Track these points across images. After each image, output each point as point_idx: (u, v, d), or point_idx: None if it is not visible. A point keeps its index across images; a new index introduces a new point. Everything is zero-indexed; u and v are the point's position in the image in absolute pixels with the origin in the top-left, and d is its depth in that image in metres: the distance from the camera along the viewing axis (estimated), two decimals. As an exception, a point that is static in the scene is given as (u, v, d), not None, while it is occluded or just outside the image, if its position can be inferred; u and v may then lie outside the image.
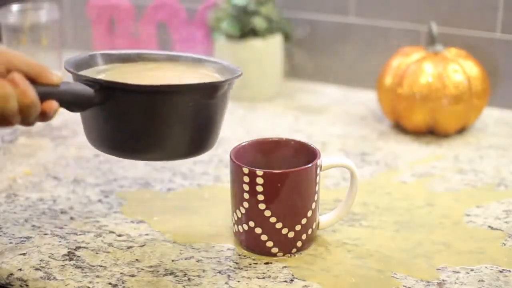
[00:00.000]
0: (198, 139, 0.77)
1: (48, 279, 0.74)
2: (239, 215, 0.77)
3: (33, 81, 0.68)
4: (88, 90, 0.72)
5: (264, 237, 0.76)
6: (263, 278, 0.74)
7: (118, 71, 0.82)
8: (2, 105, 0.66)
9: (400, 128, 1.10)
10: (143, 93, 0.73)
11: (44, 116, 0.69)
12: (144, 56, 0.85)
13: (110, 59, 0.83)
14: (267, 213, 0.75)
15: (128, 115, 0.74)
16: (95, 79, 0.74)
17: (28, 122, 0.69)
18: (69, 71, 0.75)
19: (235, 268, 0.75)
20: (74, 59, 0.79)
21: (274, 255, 0.77)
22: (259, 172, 0.74)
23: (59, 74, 0.70)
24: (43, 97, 0.69)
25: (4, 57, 0.68)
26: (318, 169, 0.77)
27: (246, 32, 1.18)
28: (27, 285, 0.74)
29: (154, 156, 0.78)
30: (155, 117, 0.74)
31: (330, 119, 1.15)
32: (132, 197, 0.90)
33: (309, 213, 0.77)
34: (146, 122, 0.74)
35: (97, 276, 0.74)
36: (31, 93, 0.67)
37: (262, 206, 0.75)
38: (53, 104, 0.69)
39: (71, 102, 0.72)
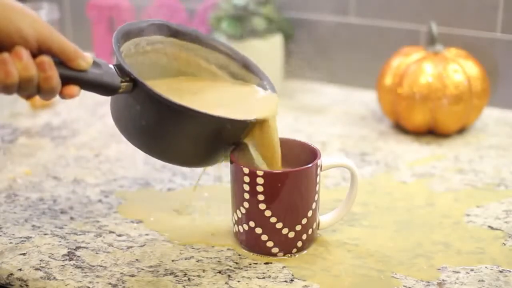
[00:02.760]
0: (206, 158, 0.78)
1: (48, 279, 0.74)
2: (239, 215, 0.77)
3: (61, 62, 0.68)
4: (115, 80, 0.71)
5: (264, 237, 0.76)
6: (263, 278, 0.74)
7: (168, 50, 0.81)
8: (23, 85, 0.66)
9: (400, 128, 1.10)
10: (165, 105, 0.71)
11: (63, 97, 0.70)
12: (202, 39, 0.83)
13: (168, 31, 0.81)
14: (268, 213, 0.75)
15: (147, 115, 0.73)
16: (128, 71, 0.71)
17: (45, 99, 0.70)
18: (113, 47, 0.73)
19: (235, 268, 0.75)
20: (128, 27, 0.77)
21: (275, 255, 0.77)
22: (260, 172, 0.74)
23: (89, 59, 0.69)
24: (67, 80, 0.68)
25: (38, 33, 0.67)
26: (318, 169, 0.77)
27: (246, 32, 1.18)
28: (27, 285, 0.74)
29: (159, 156, 0.78)
30: (170, 128, 0.73)
31: (330, 119, 1.15)
32: (132, 197, 0.90)
33: (310, 213, 0.77)
34: (161, 128, 0.74)
35: (97, 276, 0.74)
36: (55, 79, 0.67)
37: (262, 206, 0.75)
38: (74, 90, 0.69)
39: (94, 89, 0.71)
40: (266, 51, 1.20)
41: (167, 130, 0.74)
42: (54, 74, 0.67)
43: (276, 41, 1.21)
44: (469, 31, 1.15)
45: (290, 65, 1.30)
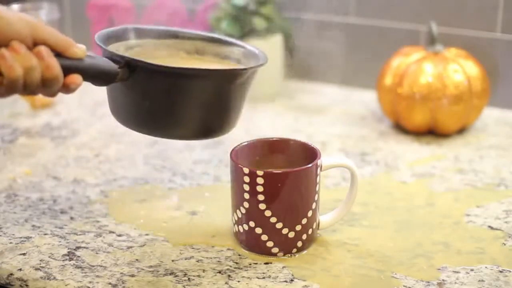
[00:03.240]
0: (217, 121, 0.79)
1: (48, 279, 0.74)
2: (240, 215, 0.77)
3: (58, 54, 0.69)
4: (112, 66, 0.73)
5: (264, 237, 0.76)
6: (263, 278, 0.74)
7: (148, 50, 0.83)
8: (26, 77, 0.67)
9: (400, 128, 1.10)
10: (167, 74, 0.73)
11: (67, 89, 0.70)
12: (178, 33, 0.86)
13: (143, 34, 0.84)
14: (268, 213, 0.75)
15: (150, 93, 0.75)
16: (121, 55, 0.74)
17: (50, 94, 0.71)
18: (97, 44, 0.76)
19: (235, 268, 0.75)
20: (105, 32, 0.80)
21: (275, 255, 0.77)
22: (260, 172, 0.74)
23: (83, 47, 0.71)
24: (67, 70, 0.69)
25: (33, 29, 0.68)
26: (318, 169, 0.77)
27: (246, 32, 1.18)
28: (27, 285, 0.74)
29: (171, 134, 0.79)
30: (176, 98, 0.75)
31: (330, 119, 1.15)
32: (132, 197, 0.90)
33: (310, 213, 0.77)
34: (166, 101, 0.75)
35: (97, 276, 0.74)
36: (56, 67, 0.68)
37: (262, 206, 0.75)
38: (76, 78, 0.70)
39: (95, 76, 0.73)
40: (266, 51, 1.20)
41: (174, 101, 0.75)
42: (54, 61, 0.68)
43: (276, 41, 1.21)
44: (469, 31, 1.15)
45: (290, 65, 1.30)
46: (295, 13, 1.27)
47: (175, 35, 0.86)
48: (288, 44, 1.27)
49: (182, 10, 1.29)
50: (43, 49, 0.68)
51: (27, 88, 0.68)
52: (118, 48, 0.80)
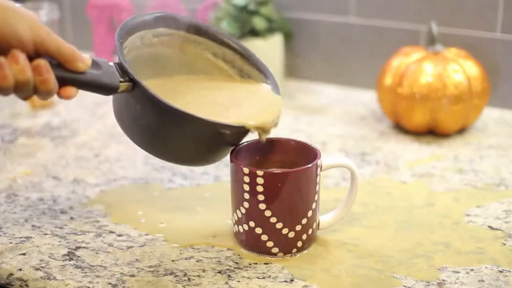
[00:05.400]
0: (205, 157, 0.78)
1: (48, 279, 0.74)
2: (240, 215, 0.77)
3: (59, 64, 0.68)
4: (114, 80, 0.71)
5: (264, 237, 0.76)
6: (263, 278, 0.74)
7: (174, 43, 0.81)
8: (19, 88, 0.67)
9: (400, 128, 1.10)
10: (167, 111, 0.71)
11: (60, 98, 0.70)
12: (209, 32, 0.83)
13: (173, 23, 0.81)
14: (268, 213, 0.75)
15: (146, 115, 0.73)
16: (127, 70, 0.71)
17: (42, 99, 0.70)
18: (116, 44, 0.73)
19: (235, 268, 0.75)
20: (132, 21, 0.77)
21: (274, 255, 0.77)
22: (260, 172, 0.74)
23: (87, 61, 0.69)
24: (65, 82, 0.68)
25: (37, 36, 0.67)
26: (318, 169, 0.77)
27: (246, 32, 1.19)
28: (27, 285, 0.74)
29: (159, 156, 0.78)
30: (169, 130, 0.74)
31: (330, 119, 1.15)
32: (132, 197, 0.90)
33: (310, 213, 0.77)
34: (163, 131, 0.74)
35: (97, 276, 0.74)
36: (51, 82, 0.67)
37: (262, 206, 0.75)
38: (70, 91, 0.69)
39: (93, 90, 0.71)
40: (266, 51, 1.20)
41: (166, 132, 0.74)
42: (50, 77, 0.67)
43: (276, 41, 1.21)
44: (469, 31, 1.15)
45: (290, 65, 1.30)
46: (295, 13, 1.27)
47: (206, 34, 0.83)
48: (288, 44, 1.27)
49: (182, 10, 1.29)
50: (42, 64, 0.67)
51: (18, 95, 0.68)
52: (145, 35, 0.78)
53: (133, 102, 0.74)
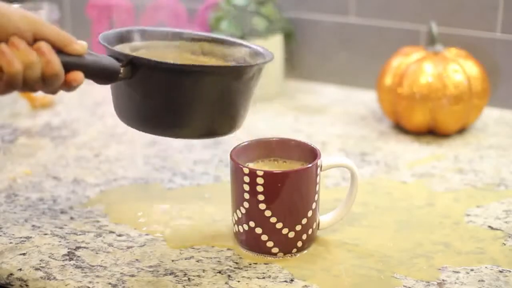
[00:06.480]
0: (222, 121, 0.78)
1: (48, 279, 0.74)
2: (240, 215, 0.77)
3: (59, 50, 0.69)
4: (115, 64, 0.73)
5: (264, 237, 0.76)
6: (263, 278, 0.74)
7: (153, 52, 0.83)
8: (25, 73, 0.67)
9: (400, 128, 1.10)
10: (172, 71, 0.73)
11: (69, 86, 0.70)
12: (183, 35, 0.86)
13: (148, 35, 0.84)
14: (268, 213, 0.75)
15: (154, 91, 0.75)
16: (124, 53, 0.74)
17: (51, 91, 0.71)
18: (101, 44, 0.76)
19: (235, 268, 0.75)
20: (109, 34, 0.80)
21: (275, 255, 0.77)
22: (260, 172, 0.74)
23: (84, 44, 0.71)
24: (69, 67, 0.69)
25: (33, 25, 0.68)
26: (319, 169, 0.77)
27: (246, 32, 1.18)
28: (27, 285, 0.74)
29: (177, 134, 0.79)
30: (180, 95, 0.75)
31: (330, 119, 1.15)
32: (132, 197, 0.90)
33: (310, 213, 0.77)
34: (171, 99, 0.75)
35: (97, 276, 0.74)
36: (56, 63, 0.68)
37: (262, 206, 0.75)
38: (78, 75, 0.70)
39: (96, 74, 0.72)
40: (266, 51, 1.20)
41: (179, 100, 0.75)
42: (54, 57, 0.68)
43: (276, 41, 1.21)
44: (469, 31, 1.15)
45: (290, 65, 1.30)
46: (295, 13, 1.27)
47: (180, 36, 0.86)
48: (289, 44, 1.27)
49: (182, 10, 1.29)
50: (43, 44, 0.68)
51: (27, 84, 0.68)
52: (123, 50, 0.80)
53: (135, 86, 0.75)
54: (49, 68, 0.68)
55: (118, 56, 0.74)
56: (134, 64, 0.73)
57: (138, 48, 0.82)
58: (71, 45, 0.70)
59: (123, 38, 0.82)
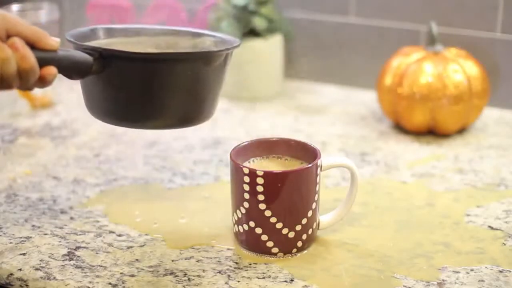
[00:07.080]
0: (196, 108, 0.79)
1: (48, 279, 0.74)
2: (240, 215, 0.77)
3: (32, 46, 0.70)
4: (87, 58, 0.73)
5: (264, 237, 0.76)
6: (263, 278, 0.74)
7: (119, 44, 0.84)
8: (1, 69, 0.68)
9: (400, 128, 1.10)
10: (142, 61, 0.74)
11: (43, 81, 0.71)
12: (146, 30, 0.87)
13: (112, 33, 0.85)
14: (268, 213, 0.75)
15: (127, 83, 0.75)
16: (94, 46, 0.75)
17: (27, 87, 0.71)
18: (69, 40, 0.77)
19: (235, 268, 0.75)
20: (75, 32, 0.81)
21: (275, 255, 0.77)
22: (260, 172, 0.74)
23: (57, 39, 0.72)
24: (42, 62, 0.70)
25: (5, 21, 0.69)
26: (319, 169, 0.77)
27: (246, 32, 1.18)
28: (27, 285, 0.74)
29: (152, 125, 0.79)
30: (153, 85, 0.75)
31: (330, 119, 1.15)
32: (132, 197, 0.90)
33: (310, 213, 0.77)
34: (145, 90, 0.76)
35: (97, 276, 0.74)
36: (31, 57, 0.69)
37: (262, 206, 0.75)
38: (51, 69, 0.71)
39: (70, 69, 0.73)
40: (266, 51, 1.20)
41: (152, 89, 0.75)
42: (28, 52, 0.69)
43: (276, 41, 1.21)
44: (469, 31, 1.15)
45: (290, 65, 1.30)
46: (295, 13, 1.27)
47: (143, 32, 0.87)
48: (288, 44, 1.27)
49: (182, 10, 1.29)
50: (17, 40, 0.68)
51: (4, 80, 0.68)
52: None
53: (107, 79, 0.75)
54: (24, 63, 0.68)
55: (88, 51, 0.74)
56: (104, 56, 0.74)
57: (103, 45, 0.82)
58: (44, 40, 0.70)
59: (88, 36, 0.83)
